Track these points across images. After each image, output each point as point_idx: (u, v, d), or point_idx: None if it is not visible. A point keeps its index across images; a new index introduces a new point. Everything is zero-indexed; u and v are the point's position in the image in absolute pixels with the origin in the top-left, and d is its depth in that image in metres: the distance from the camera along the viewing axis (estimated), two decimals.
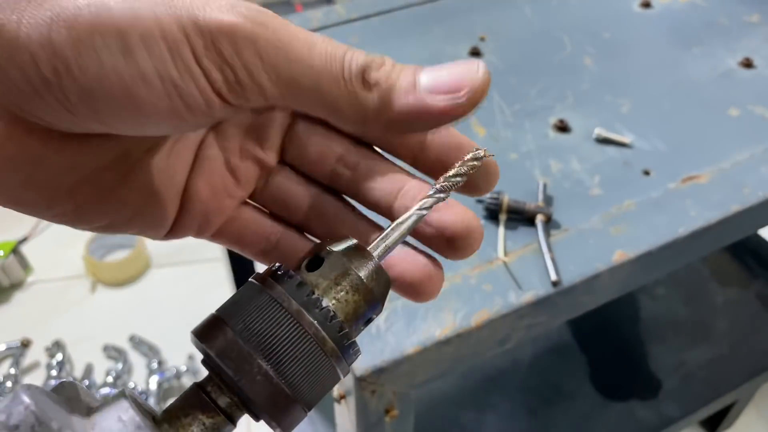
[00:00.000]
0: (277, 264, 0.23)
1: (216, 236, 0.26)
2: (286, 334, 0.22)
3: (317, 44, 0.22)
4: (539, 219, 0.49)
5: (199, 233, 0.26)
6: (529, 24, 0.74)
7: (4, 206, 0.22)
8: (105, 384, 1.06)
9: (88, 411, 0.21)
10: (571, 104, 0.62)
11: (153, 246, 1.32)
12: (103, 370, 1.09)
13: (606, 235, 0.49)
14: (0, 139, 0.19)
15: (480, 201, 0.51)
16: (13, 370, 1.09)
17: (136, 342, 1.15)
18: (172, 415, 0.22)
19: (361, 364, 0.40)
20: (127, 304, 1.24)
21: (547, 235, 0.49)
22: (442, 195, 0.24)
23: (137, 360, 1.14)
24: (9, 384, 1.06)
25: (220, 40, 0.19)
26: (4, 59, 0.18)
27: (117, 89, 0.18)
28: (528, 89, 0.64)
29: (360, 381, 0.40)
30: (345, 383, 0.43)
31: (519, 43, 0.71)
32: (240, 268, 0.98)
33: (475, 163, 0.25)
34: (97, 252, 1.30)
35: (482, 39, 0.71)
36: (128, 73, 0.18)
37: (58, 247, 1.35)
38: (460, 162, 0.25)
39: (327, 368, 0.23)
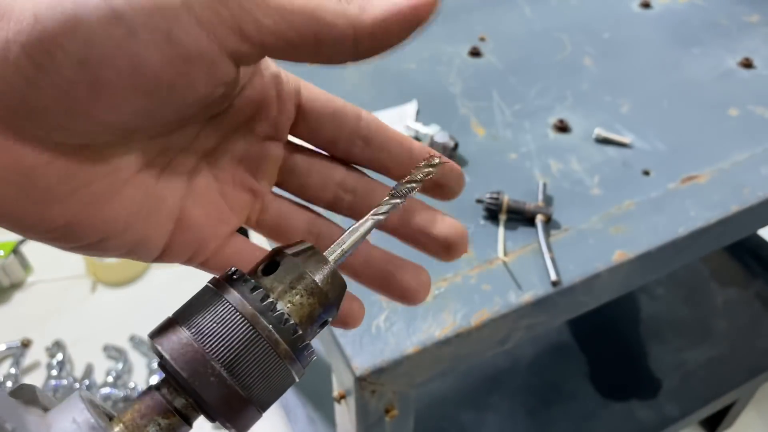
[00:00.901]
0: (233, 268, 0.24)
1: (205, 264, 0.27)
2: (240, 337, 0.22)
3: None
4: (539, 219, 0.49)
5: (191, 259, 0.27)
6: (529, 24, 0.74)
7: None
8: (105, 384, 1.06)
9: (44, 412, 0.22)
10: (571, 104, 0.63)
11: None
12: (103, 370, 1.10)
13: (606, 235, 0.49)
14: None
15: (480, 201, 0.51)
16: (13, 370, 1.09)
17: (137, 342, 1.15)
18: (128, 416, 0.23)
19: (362, 364, 0.40)
20: (127, 304, 1.24)
21: (547, 235, 0.49)
22: (397, 201, 0.26)
23: (137, 360, 1.14)
24: (9, 384, 1.06)
25: None
26: None
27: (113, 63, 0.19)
28: (528, 89, 0.64)
29: (360, 381, 0.40)
30: (345, 383, 0.43)
31: (519, 43, 0.71)
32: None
33: (430, 169, 0.26)
34: None
35: (482, 39, 0.71)
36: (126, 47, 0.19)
37: None
38: (415, 169, 0.26)
39: (281, 370, 0.23)
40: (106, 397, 1.04)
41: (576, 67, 0.67)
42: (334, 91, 0.69)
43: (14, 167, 0.20)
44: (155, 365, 1.09)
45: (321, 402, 0.89)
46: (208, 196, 0.26)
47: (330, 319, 0.26)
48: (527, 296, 0.45)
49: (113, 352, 1.13)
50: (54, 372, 1.08)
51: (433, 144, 0.56)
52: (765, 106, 0.62)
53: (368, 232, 0.26)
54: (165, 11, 0.19)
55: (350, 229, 0.26)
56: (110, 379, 1.07)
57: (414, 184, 0.26)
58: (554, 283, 0.45)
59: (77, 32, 0.19)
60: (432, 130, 0.56)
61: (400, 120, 0.60)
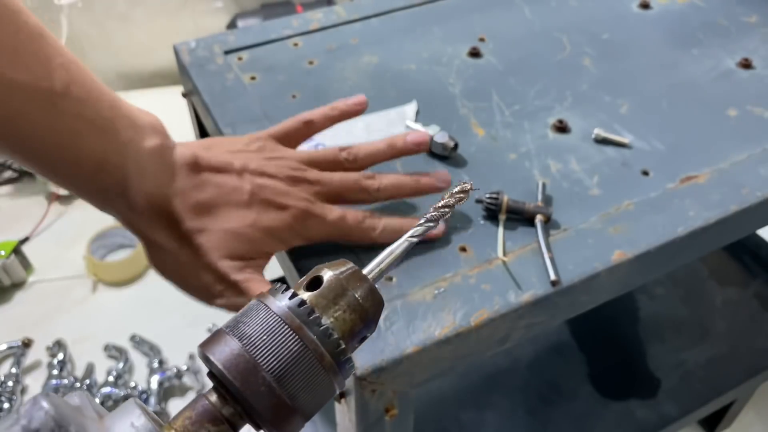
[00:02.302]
0: (279, 284, 0.26)
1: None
2: (288, 349, 0.23)
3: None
4: (538, 219, 0.49)
5: None
6: (529, 25, 0.74)
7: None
8: (106, 383, 1.06)
9: (100, 417, 0.23)
10: (570, 105, 0.63)
11: None
12: (104, 369, 1.10)
13: (605, 235, 0.50)
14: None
15: (479, 201, 0.51)
16: (14, 370, 1.09)
17: (137, 341, 1.15)
18: (179, 423, 0.24)
19: (362, 364, 0.40)
20: (128, 304, 1.25)
21: (547, 235, 0.49)
22: (431, 224, 0.28)
23: (138, 359, 1.14)
24: (10, 383, 1.07)
25: None
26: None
27: None
28: (527, 90, 0.65)
29: (360, 380, 0.40)
30: (345, 382, 0.43)
31: (518, 43, 0.71)
32: None
33: (462, 195, 0.28)
34: (99, 252, 1.30)
35: (481, 40, 0.72)
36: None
37: (59, 247, 1.35)
38: (448, 195, 0.28)
39: (325, 381, 0.24)
40: (107, 397, 1.05)
41: (575, 67, 0.68)
42: (334, 91, 0.70)
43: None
44: (156, 364, 1.10)
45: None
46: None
47: (368, 335, 0.27)
48: (527, 296, 0.45)
49: (114, 352, 1.14)
50: (55, 371, 1.08)
51: (433, 144, 0.56)
52: (764, 107, 0.62)
53: (404, 252, 0.27)
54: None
55: (388, 250, 0.27)
56: (111, 378, 1.07)
57: (446, 209, 0.28)
58: (553, 283, 0.45)
59: None
60: (432, 131, 0.56)
61: (400, 120, 0.60)
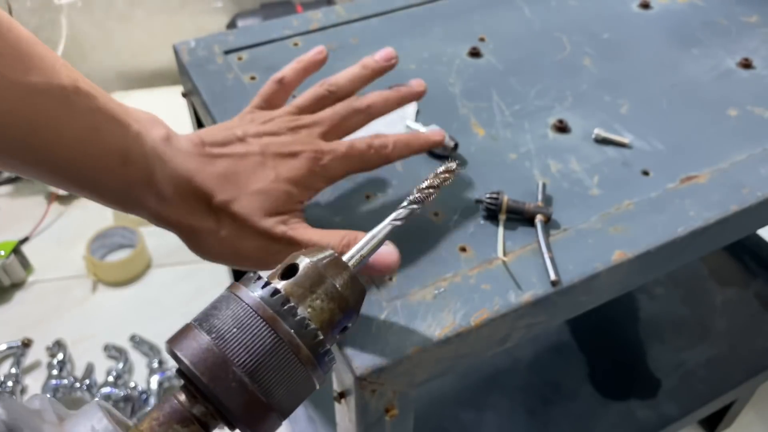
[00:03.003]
0: (251, 273, 0.24)
1: None
2: (261, 342, 0.22)
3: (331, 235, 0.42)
4: (538, 219, 0.49)
5: None
6: (529, 24, 0.74)
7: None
8: (106, 383, 1.06)
9: (60, 420, 0.21)
10: (571, 105, 0.63)
11: (154, 246, 1.33)
12: (103, 369, 1.10)
13: (605, 235, 0.50)
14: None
15: (479, 201, 0.51)
16: (14, 370, 1.09)
17: (137, 341, 1.15)
18: (146, 425, 0.22)
19: (362, 364, 0.40)
20: (128, 304, 1.25)
21: (547, 235, 0.49)
22: (415, 206, 0.26)
23: (138, 359, 1.14)
24: (10, 384, 1.07)
25: None
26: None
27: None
28: (527, 90, 0.65)
29: (360, 380, 0.40)
30: (345, 382, 0.43)
31: (518, 43, 0.71)
32: None
33: (447, 175, 0.26)
34: (98, 252, 1.30)
35: (482, 39, 0.72)
36: None
37: (59, 247, 1.35)
38: (432, 174, 0.26)
39: (302, 376, 0.23)
40: (107, 397, 1.05)
41: (575, 67, 0.67)
42: None
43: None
44: (155, 364, 1.10)
45: (321, 401, 0.90)
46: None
47: (350, 325, 0.25)
48: (527, 296, 0.45)
49: (114, 352, 1.14)
50: (54, 371, 1.08)
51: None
52: (764, 107, 0.62)
53: (387, 236, 0.25)
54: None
55: (370, 234, 0.25)
56: (111, 378, 1.07)
57: (432, 190, 0.26)
58: (554, 283, 0.45)
59: None
60: (432, 131, 0.56)
61: (400, 120, 0.60)
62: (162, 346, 1.14)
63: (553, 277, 0.45)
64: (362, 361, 0.40)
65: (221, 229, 0.43)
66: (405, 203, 0.26)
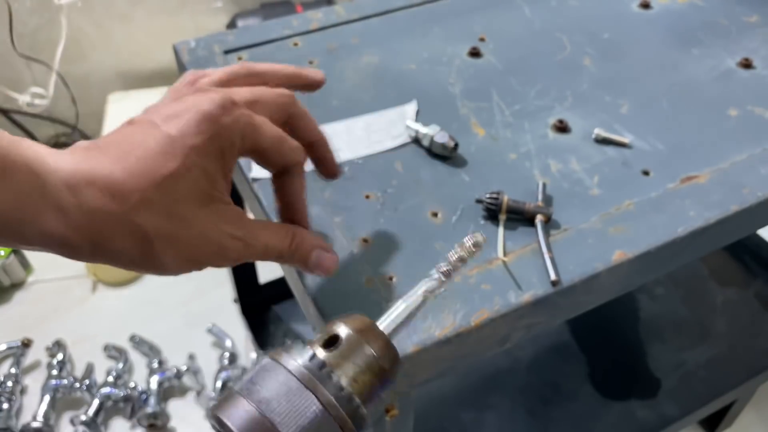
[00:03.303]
0: (291, 340, 0.24)
1: None
2: (308, 412, 0.22)
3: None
4: (538, 219, 0.49)
5: None
6: (529, 24, 0.74)
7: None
8: (106, 383, 1.06)
9: None
10: (571, 105, 0.63)
11: None
12: (103, 369, 1.10)
13: (605, 235, 0.50)
14: None
15: (479, 201, 0.51)
16: (13, 370, 1.09)
17: (137, 341, 1.15)
18: None
19: None
20: (127, 304, 1.25)
21: (547, 235, 0.49)
22: (444, 279, 0.27)
23: (138, 359, 1.14)
24: (10, 384, 1.07)
25: None
26: None
27: None
28: (527, 90, 0.65)
29: None
30: None
31: (518, 43, 0.71)
32: (241, 268, 0.98)
33: (475, 249, 0.27)
34: None
35: (482, 39, 0.72)
36: None
37: None
38: (461, 247, 0.27)
39: None
40: (107, 397, 1.04)
41: (575, 67, 0.67)
42: (334, 91, 0.70)
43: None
44: (155, 365, 1.10)
45: None
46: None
47: (383, 395, 0.25)
48: (527, 296, 0.45)
49: (113, 352, 1.13)
50: (54, 372, 1.08)
51: (433, 144, 0.56)
52: (764, 107, 0.62)
53: (420, 307, 0.26)
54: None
55: (403, 305, 0.26)
56: (110, 378, 1.07)
57: (460, 263, 0.27)
58: (554, 283, 0.45)
59: None
60: (432, 130, 0.56)
61: (401, 120, 0.60)
62: (161, 346, 1.14)
63: (553, 277, 0.45)
64: None
65: (149, 227, 0.32)
66: (435, 275, 0.27)
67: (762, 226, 0.59)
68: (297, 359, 0.23)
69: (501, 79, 0.66)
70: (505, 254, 0.48)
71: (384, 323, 0.26)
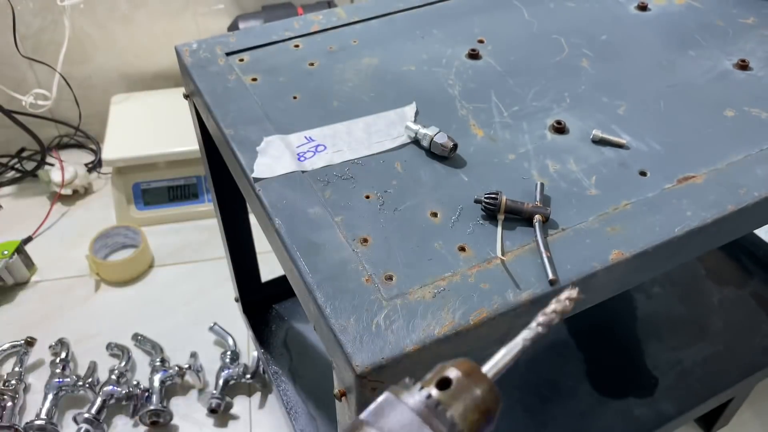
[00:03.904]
0: (409, 380, 0.28)
1: None
2: None
3: None
4: (537, 219, 0.50)
5: None
6: (527, 27, 0.75)
7: None
8: (108, 382, 1.07)
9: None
10: (569, 106, 0.63)
11: (156, 245, 1.33)
12: (106, 368, 1.10)
13: (602, 234, 0.50)
14: None
15: (478, 201, 0.52)
16: (17, 368, 1.10)
17: (140, 340, 1.16)
18: None
19: (362, 362, 0.41)
20: (130, 303, 1.25)
21: (545, 234, 0.50)
22: (540, 330, 0.30)
23: (140, 358, 1.15)
24: (13, 382, 1.07)
25: None
26: None
27: None
28: (526, 91, 0.65)
29: (361, 378, 0.41)
30: (346, 381, 0.44)
31: (517, 45, 0.72)
32: (242, 267, 0.98)
33: (568, 303, 0.30)
34: (101, 251, 1.31)
35: (481, 41, 0.72)
36: None
37: (62, 247, 1.36)
38: (555, 300, 0.30)
39: None
40: (110, 395, 1.05)
41: (573, 69, 0.68)
42: (334, 93, 0.71)
43: None
44: (158, 363, 1.10)
45: (322, 400, 0.90)
46: None
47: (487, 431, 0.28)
48: (525, 295, 0.46)
49: (116, 351, 1.14)
50: (57, 370, 1.09)
51: (432, 144, 0.57)
52: (761, 108, 0.63)
53: (520, 354, 0.29)
54: None
55: (505, 349, 0.29)
56: (113, 377, 1.08)
57: (555, 315, 0.29)
58: (552, 282, 0.46)
59: None
60: (431, 132, 0.57)
61: (400, 121, 0.61)
62: (164, 344, 1.15)
63: (551, 276, 0.46)
64: (363, 359, 0.41)
65: None
66: (533, 324, 0.31)
67: (758, 225, 0.60)
68: (415, 397, 0.27)
69: (499, 80, 0.67)
70: (503, 254, 0.48)
71: (487, 367, 0.29)
